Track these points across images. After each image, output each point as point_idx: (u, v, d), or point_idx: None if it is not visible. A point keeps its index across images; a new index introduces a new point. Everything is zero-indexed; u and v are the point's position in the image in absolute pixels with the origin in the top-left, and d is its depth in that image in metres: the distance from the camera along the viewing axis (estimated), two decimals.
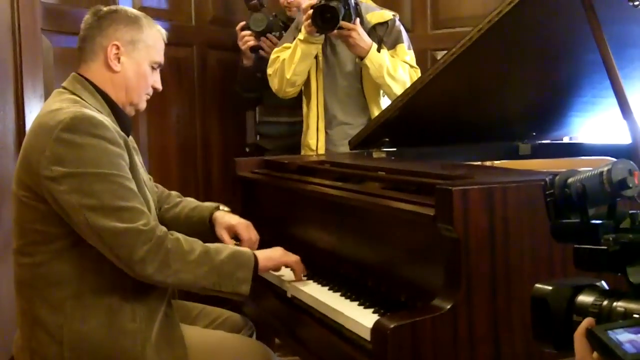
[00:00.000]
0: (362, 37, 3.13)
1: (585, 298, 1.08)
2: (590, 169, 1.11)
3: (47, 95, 3.05)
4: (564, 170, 1.17)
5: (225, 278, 1.93)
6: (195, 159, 3.92)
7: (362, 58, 3.17)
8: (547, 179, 1.16)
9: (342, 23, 3.09)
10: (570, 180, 1.13)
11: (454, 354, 1.56)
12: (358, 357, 1.66)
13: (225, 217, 2.31)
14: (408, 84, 3.12)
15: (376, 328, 1.56)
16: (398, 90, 3.13)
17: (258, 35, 3.63)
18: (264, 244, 2.47)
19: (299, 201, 2.45)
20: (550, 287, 1.12)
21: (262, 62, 3.63)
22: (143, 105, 2.13)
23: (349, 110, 3.36)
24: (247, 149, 3.99)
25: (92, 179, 1.84)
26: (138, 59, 2.06)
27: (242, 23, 3.64)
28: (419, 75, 3.22)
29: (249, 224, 2.29)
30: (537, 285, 1.13)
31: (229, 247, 2.02)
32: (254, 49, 3.63)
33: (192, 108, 3.89)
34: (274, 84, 3.40)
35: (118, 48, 2.03)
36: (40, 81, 2.99)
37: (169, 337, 1.97)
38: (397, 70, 3.18)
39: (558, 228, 1.15)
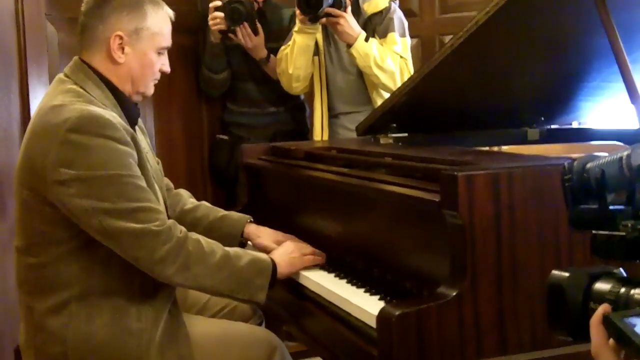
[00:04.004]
0: (350, 24, 3.10)
1: (602, 285, 1.07)
2: (609, 154, 1.10)
3: None
4: (579, 155, 1.15)
5: (243, 285, 1.91)
6: (202, 147, 3.91)
7: (350, 46, 3.15)
8: (565, 163, 1.15)
9: (331, 10, 3.07)
10: (589, 165, 1.11)
11: (459, 341, 1.55)
12: (363, 344, 1.66)
13: (264, 231, 2.27)
14: (397, 75, 3.13)
15: (381, 315, 1.55)
16: (387, 81, 3.13)
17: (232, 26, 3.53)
18: None
19: (305, 188, 2.44)
20: (567, 274, 1.10)
21: (230, 41, 3.56)
22: (151, 91, 2.06)
23: (354, 107, 3.35)
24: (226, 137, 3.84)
25: (103, 182, 1.79)
26: (143, 48, 1.97)
27: (217, 3, 3.49)
28: (409, 65, 3.22)
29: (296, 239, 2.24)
30: (554, 272, 1.12)
31: (248, 252, 1.99)
32: (223, 33, 3.56)
33: (199, 96, 3.88)
34: (282, 81, 3.42)
35: (121, 38, 1.94)
36: (45, 68, 2.99)
37: (173, 337, 1.95)
38: (385, 60, 3.15)
39: (575, 215, 1.14)
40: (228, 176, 3.76)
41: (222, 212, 2.35)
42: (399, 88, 2.61)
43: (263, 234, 2.28)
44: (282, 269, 2.00)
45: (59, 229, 1.86)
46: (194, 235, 1.90)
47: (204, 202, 2.40)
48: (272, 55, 3.54)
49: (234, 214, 2.35)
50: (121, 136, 1.84)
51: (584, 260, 1.55)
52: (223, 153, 3.77)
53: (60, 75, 1.99)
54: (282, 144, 2.82)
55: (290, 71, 3.31)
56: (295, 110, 3.78)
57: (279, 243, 2.19)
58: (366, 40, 3.13)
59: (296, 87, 3.38)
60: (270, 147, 2.77)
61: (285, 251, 2.08)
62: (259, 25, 3.49)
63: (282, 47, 3.37)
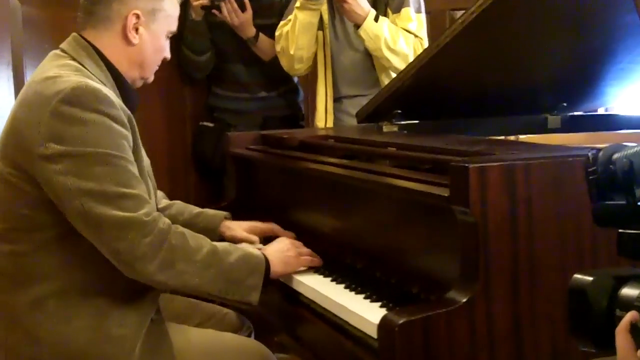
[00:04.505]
0: (358, 2, 3.09)
1: (630, 290, 1.08)
2: (638, 143, 1.10)
3: (15, 63, 3.03)
4: (605, 144, 1.15)
5: (233, 285, 1.91)
6: (184, 135, 3.91)
7: (358, 27, 3.15)
8: (589, 154, 1.15)
9: None
10: (615, 155, 1.11)
11: (471, 353, 1.56)
12: (363, 356, 1.66)
13: (242, 223, 2.33)
14: (411, 58, 3.09)
15: (383, 324, 1.55)
16: (399, 64, 3.12)
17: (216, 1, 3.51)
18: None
19: (300, 181, 2.45)
20: (590, 278, 1.11)
21: (214, 18, 3.55)
22: (152, 78, 2.12)
23: (359, 89, 3.35)
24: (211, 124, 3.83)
25: (92, 160, 1.80)
26: (157, 30, 2.03)
27: None
28: (424, 46, 3.19)
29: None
30: (576, 276, 1.13)
31: (238, 248, 1.99)
32: (205, 9, 3.55)
33: (181, 78, 3.87)
34: (282, 62, 3.41)
35: (138, 17, 1.98)
36: (7, 46, 2.98)
37: (156, 347, 1.96)
38: (397, 42, 3.14)
39: (600, 210, 1.14)
40: (213, 167, 3.75)
41: (197, 209, 2.38)
42: (404, 69, 2.61)
43: (234, 225, 2.32)
44: (276, 267, 2.00)
45: (42, 213, 1.87)
46: (178, 228, 1.90)
47: (178, 201, 2.42)
48: (261, 34, 3.54)
49: (209, 211, 2.38)
50: (118, 115, 1.86)
51: (610, 261, 1.56)
52: (208, 141, 3.76)
53: (56, 51, 2.01)
54: (274, 132, 2.82)
55: (291, 52, 3.30)
56: (289, 94, 3.78)
57: (253, 231, 2.26)
58: (376, 19, 3.12)
59: (299, 68, 3.38)
60: (260, 136, 2.77)
61: (280, 248, 2.07)
62: (246, 0, 3.49)
63: (282, 23, 3.35)
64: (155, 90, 3.74)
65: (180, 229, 1.90)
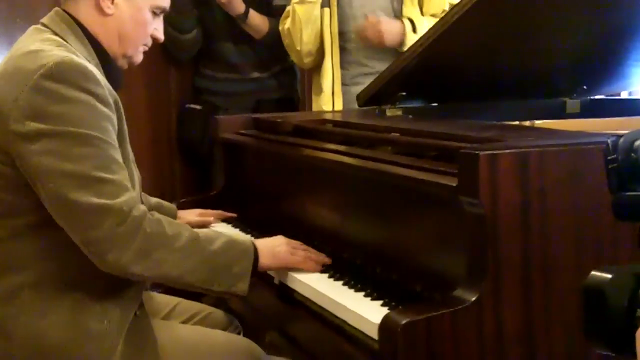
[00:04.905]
0: (390, 31, 3.20)
1: None
2: None
3: None
4: (627, 131, 1.16)
5: (218, 273, 1.92)
6: (169, 119, 3.91)
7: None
8: (608, 141, 1.15)
9: (365, 24, 3.18)
10: (637, 142, 1.12)
11: (478, 356, 1.56)
12: (362, 359, 1.67)
13: (187, 211, 2.51)
14: None
15: (384, 324, 1.56)
16: None
17: None
18: (251, 222, 2.48)
19: (294, 169, 2.45)
20: (608, 276, 1.11)
21: None
22: (139, 58, 2.13)
23: (376, 63, 3.36)
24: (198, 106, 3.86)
25: (73, 141, 1.81)
26: (138, 2, 2.04)
27: None
28: None
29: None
30: (594, 273, 1.13)
31: (222, 234, 2.01)
32: None
33: (166, 57, 3.87)
34: (293, 58, 3.52)
35: None
36: None
37: (139, 344, 1.96)
38: None
39: (621, 202, 1.14)
40: (201, 154, 3.76)
41: (154, 199, 2.45)
42: (409, 48, 2.61)
43: (184, 214, 2.47)
44: (264, 258, 2.01)
45: (21, 198, 1.88)
46: (154, 214, 1.91)
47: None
48: (251, 10, 3.54)
49: (164, 203, 2.46)
50: (103, 94, 1.87)
51: (630, 258, 1.56)
52: (195, 126, 3.77)
53: (37, 25, 2.03)
54: (267, 116, 2.83)
55: (297, 48, 3.37)
56: (283, 75, 3.79)
57: (203, 216, 2.44)
58: (414, 28, 3.17)
59: (308, 62, 3.45)
60: (251, 119, 2.78)
61: (272, 242, 2.08)
62: None
63: (283, 16, 3.39)
64: (138, 71, 3.73)
65: (157, 215, 1.91)
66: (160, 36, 2.13)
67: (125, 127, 1.97)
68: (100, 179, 1.81)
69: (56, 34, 1.97)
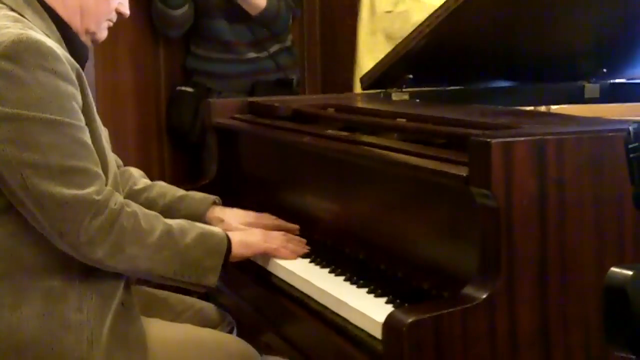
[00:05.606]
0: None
1: None
2: None
3: None
4: None
5: (188, 266, 1.97)
6: (158, 102, 3.91)
7: None
8: (630, 128, 1.15)
9: None
10: None
11: (490, 358, 1.56)
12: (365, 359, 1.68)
13: (237, 212, 2.35)
14: None
15: (389, 323, 1.56)
16: None
17: None
18: None
19: (292, 157, 2.45)
20: (630, 272, 1.11)
21: None
22: (103, 35, 2.11)
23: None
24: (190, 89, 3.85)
25: (36, 127, 1.81)
26: None
27: None
28: None
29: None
30: (614, 269, 1.13)
31: (197, 225, 2.04)
32: None
33: (155, 36, 3.86)
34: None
35: None
36: None
37: (124, 335, 1.97)
38: None
39: None
40: (191, 139, 3.76)
41: (182, 192, 2.39)
42: (416, 28, 2.61)
43: (228, 216, 2.33)
44: (236, 248, 2.06)
45: None
46: (131, 206, 1.93)
47: (160, 182, 2.43)
48: None
49: (196, 194, 2.39)
50: (65, 71, 1.86)
51: None
52: (185, 109, 3.76)
53: None
54: (264, 99, 2.82)
55: None
56: (282, 55, 3.78)
57: (251, 225, 2.28)
58: None
59: None
60: (247, 103, 2.77)
61: (246, 232, 2.16)
62: None
63: None
64: (124, 51, 3.74)
65: (133, 207, 1.93)
66: (126, 11, 2.12)
67: (91, 99, 1.97)
68: (69, 168, 1.83)
69: (13, 10, 1.95)
